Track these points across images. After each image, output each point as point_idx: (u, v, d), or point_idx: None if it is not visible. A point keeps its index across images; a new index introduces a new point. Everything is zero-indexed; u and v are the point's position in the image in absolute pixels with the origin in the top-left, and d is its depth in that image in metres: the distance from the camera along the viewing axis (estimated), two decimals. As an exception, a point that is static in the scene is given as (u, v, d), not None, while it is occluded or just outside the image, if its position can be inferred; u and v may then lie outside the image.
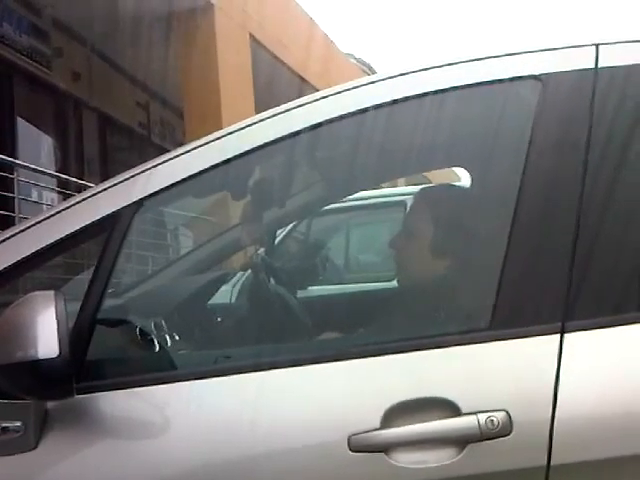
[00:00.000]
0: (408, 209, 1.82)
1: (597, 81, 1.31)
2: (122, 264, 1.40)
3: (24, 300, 1.18)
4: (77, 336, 1.23)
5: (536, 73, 1.34)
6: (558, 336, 1.21)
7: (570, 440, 1.16)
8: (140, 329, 1.61)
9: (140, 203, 1.34)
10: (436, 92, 1.37)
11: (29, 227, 1.35)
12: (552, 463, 1.15)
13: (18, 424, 1.19)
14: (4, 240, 1.34)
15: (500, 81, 1.36)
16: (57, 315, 1.15)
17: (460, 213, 1.67)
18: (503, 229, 1.29)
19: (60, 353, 1.11)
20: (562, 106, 1.33)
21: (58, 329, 1.13)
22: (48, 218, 1.36)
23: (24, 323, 1.14)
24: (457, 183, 2.63)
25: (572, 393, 1.18)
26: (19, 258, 1.32)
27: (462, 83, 1.38)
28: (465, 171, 2.05)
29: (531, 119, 1.31)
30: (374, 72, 13.53)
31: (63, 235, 1.33)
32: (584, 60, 1.33)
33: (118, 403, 1.25)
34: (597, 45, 1.34)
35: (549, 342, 1.21)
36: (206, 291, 2.36)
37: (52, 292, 1.19)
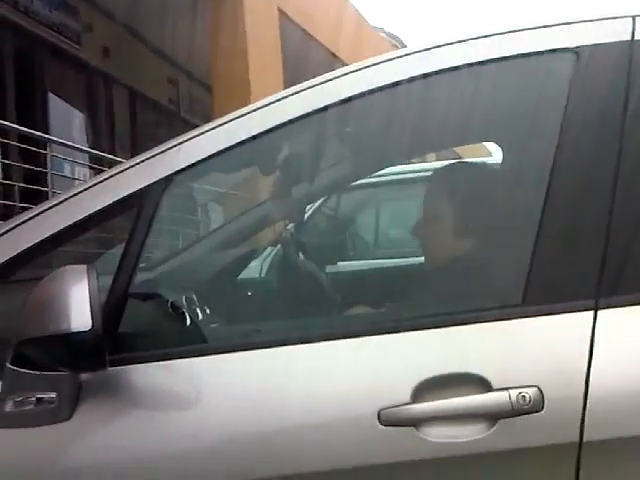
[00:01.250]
0: (425, 193, 1.80)
1: (634, 53, 1.28)
2: (153, 239, 1.41)
3: (57, 274, 1.20)
4: (109, 309, 1.24)
5: (571, 46, 1.31)
6: (591, 313, 1.20)
7: (603, 417, 1.15)
8: (171, 303, 1.63)
9: (170, 178, 1.35)
10: (468, 65, 1.35)
11: (62, 202, 1.37)
12: (584, 440, 1.15)
13: (52, 395, 1.21)
14: (38, 214, 1.36)
15: (534, 54, 1.34)
16: (89, 289, 1.16)
17: (482, 190, 1.65)
18: (535, 205, 1.27)
19: (93, 326, 1.12)
20: (597, 79, 1.30)
21: (90, 302, 1.14)
22: (80, 193, 1.37)
23: (57, 296, 1.15)
24: (484, 159, 2.60)
25: (605, 369, 1.17)
26: (52, 232, 1.33)
27: (495, 56, 1.35)
28: (497, 146, 2.02)
29: (566, 93, 1.29)
30: (404, 46, 13.39)
31: (95, 210, 1.34)
32: (620, 32, 1.30)
33: (150, 375, 1.26)
34: (634, 17, 1.31)
35: (582, 319, 1.20)
36: (236, 266, 2.37)
37: (84, 266, 1.20)
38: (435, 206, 1.74)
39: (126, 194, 1.34)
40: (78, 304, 1.14)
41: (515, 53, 1.35)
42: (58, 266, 1.24)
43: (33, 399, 1.21)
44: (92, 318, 1.13)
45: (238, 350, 1.28)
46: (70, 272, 1.20)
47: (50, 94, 8.52)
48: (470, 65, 1.35)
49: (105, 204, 1.34)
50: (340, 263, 3.26)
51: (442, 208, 1.70)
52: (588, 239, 1.25)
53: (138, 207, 1.32)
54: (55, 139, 6.67)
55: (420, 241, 1.82)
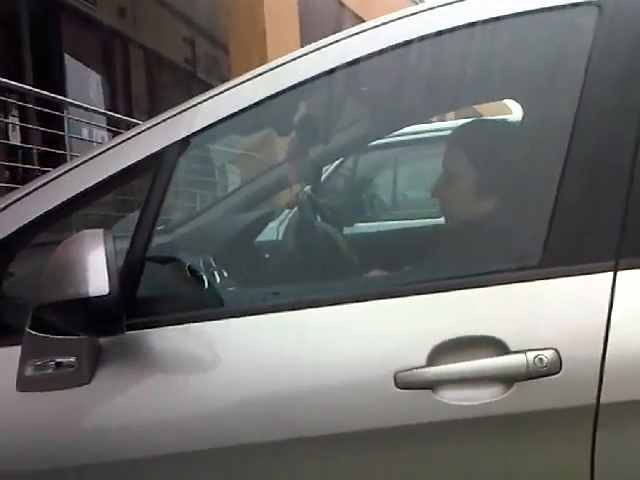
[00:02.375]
0: (445, 153, 1.77)
1: None
2: (170, 202, 1.41)
3: (73, 239, 1.20)
4: (127, 274, 1.25)
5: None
6: (611, 274, 1.18)
7: (620, 379, 1.15)
8: (189, 266, 1.63)
9: (187, 140, 1.34)
10: (486, 21, 1.32)
11: (79, 164, 1.37)
12: (601, 402, 1.14)
13: (72, 359, 1.22)
14: (56, 177, 1.36)
15: (556, 8, 1.30)
16: (106, 253, 1.16)
17: (502, 148, 1.62)
18: (555, 164, 1.25)
19: (110, 291, 1.13)
20: (621, 34, 1.26)
21: (108, 267, 1.15)
22: (98, 155, 1.37)
23: (75, 261, 1.16)
24: (501, 116, 2.55)
25: (623, 332, 1.16)
26: (71, 195, 1.33)
27: (516, 10, 1.32)
28: (517, 104, 1.99)
29: (588, 48, 1.26)
30: (422, 1, 13.13)
31: (113, 173, 1.34)
32: None
33: (168, 339, 1.27)
34: None
35: (601, 280, 1.19)
36: (253, 229, 2.37)
37: (101, 230, 1.21)
38: (454, 165, 1.71)
39: (143, 156, 1.33)
40: (95, 269, 1.14)
41: (536, 7, 1.32)
42: (78, 229, 1.24)
43: (53, 363, 1.22)
44: (109, 283, 1.14)
45: (255, 313, 1.28)
46: (87, 237, 1.20)
47: (66, 56, 8.47)
48: (490, 20, 1.32)
49: (123, 166, 1.34)
50: (358, 224, 3.24)
51: (461, 167, 1.67)
52: (608, 199, 1.23)
53: (155, 170, 1.31)
54: (72, 101, 6.66)
55: (440, 202, 1.80)
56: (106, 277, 1.13)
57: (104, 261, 1.15)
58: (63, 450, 1.23)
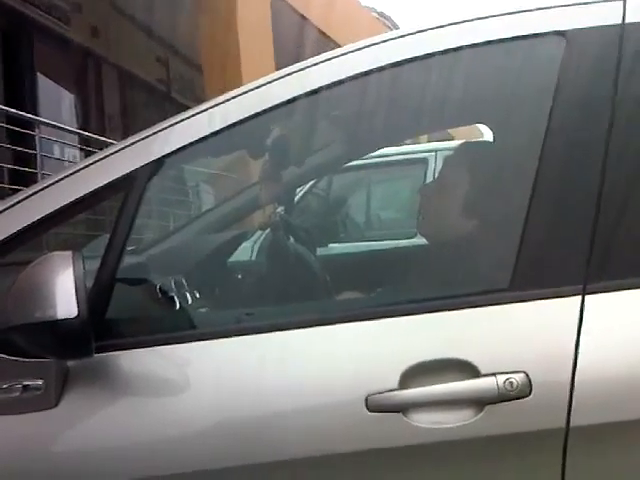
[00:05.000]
0: (445, 161, 1.78)
1: (624, 37, 1.26)
2: (143, 222, 1.40)
3: (42, 260, 1.19)
4: (96, 295, 1.24)
5: (561, 29, 1.30)
6: (579, 298, 1.20)
7: (590, 402, 1.16)
8: (160, 287, 1.62)
9: (159, 161, 1.34)
10: (459, 48, 1.34)
11: (52, 184, 1.35)
12: (571, 425, 1.15)
13: (39, 382, 1.20)
14: (27, 197, 1.34)
15: (524, 37, 1.32)
16: (75, 275, 1.15)
17: (495, 171, 1.63)
18: (525, 188, 1.27)
19: (78, 314, 1.12)
20: (587, 63, 1.29)
21: (76, 289, 1.13)
22: (70, 175, 1.36)
23: (43, 283, 1.14)
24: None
25: (592, 355, 1.17)
26: (42, 215, 1.32)
27: (485, 39, 1.34)
28: (487, 129, 2.01)
29: (555, 77, 1.28)
30: (395, 26, 13.30)
31: (85, 193, 1.32)
32: (611, 15, 1.28)
33: (139, 361, 1.26)
34: (624, 0, 1.29)
35: (570, 304, 1.20)
36: (226, 249, 2.36)
37: (70, 252, 1.19)
38: (450, 177, 1.71)
39: (115, 177, 1.32)
40: (64, 291, 1.13)
41: (506, 36, 1.34)
42: (49, 249, 1.23)
43: (19, 386, 1.20)
44: (78, 305, 1.12)
45: (226, 336, 1.27)
46: (55, 258, 1.19)
47: (39, 74, 8.43)
48: (461, 48, 1.34)
49: (96, 186, 1.32)
50: (331, 245, 3.25)
51: (455, 181, 1.67)
52: (576, 224, 1.24)
53: (125, 190, 1.31)
54: (44, 120, 6.61)
55: (422, 203, 1.79)
56: (74, 300, 1.12)
57: (72, 283, 1.14)
58: (29, 474, 1.21)
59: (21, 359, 1.18)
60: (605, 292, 1.20)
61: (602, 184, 1.23)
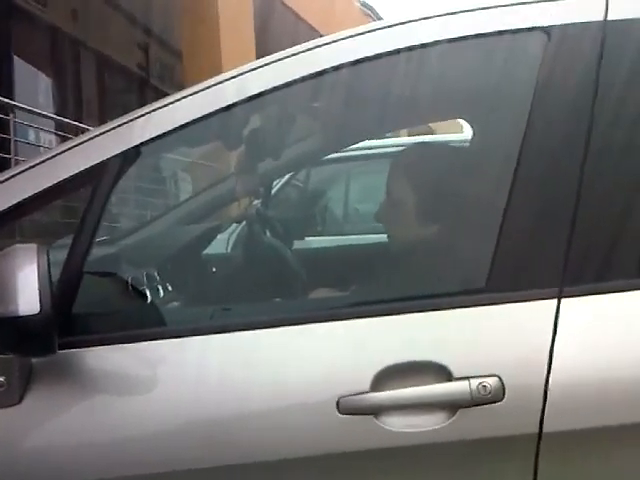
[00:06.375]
0: (387, 177, 1.75)
1: (606, 34, 1.25)
2: (117, 211, 1.37)
3: (5, 253, 1.15)
4: (62, 289, 1.20)
5: (542, 25, 1.28)
6: (555, 301, 1.18)
7: (564, 407, 1.15)
8: (131, 280, 1.59)
9: (134, 149, 1.30)
10: (439, 42, 1.32)
11: (26, 170, 1.31)
12: (544, 430, 1.14)
13: (1, 379, 1.17)
14: (0, 183, 1.30)
15: (506, 32, 1.31)
16: (39, 269, 1.11)
17: (447, 173, 1.61)
18: (502, 188, 1.25)
19: (41, 310, 1.08)
20: (568, 60, 1.27)
21: (39, 284, 1.10)
22: (45, 161, 1.32)
23: (5, 277, 1.11)
24: (454, 135, 2.56)
25: (567, 360, 1.16)
26: (15, 202, 1.28)
27: (466, 34, 1.32)
28: (467, 124, 2.00)
29: (536, 73, 1.26)
30: (378, 16, 13.25)
31: (59, 180, 1.29)
32: (593, 12, 1.27)
33: (106, 359, 1.23)
34: None
35: (545, 307, 1.18)
36: (201, 241, 2.33)
37: (34, 245, 1.16)
38: (397, 190, 1.70)
39: (90, 164, 1.29)
40: (26, 286, 1.10)
41: (486, 31, 1.32)
42: (22, 236, 1.19)
43: (-19, 382, 1.17)
44: (41, 301, 1.09)
45: (197, 334, 1.25)
46: (19, 251, 1.15)
47: (16, 57, 8.29)
48: (442, 42, 1.32)
49: (71, 173, 1.29)
50: (309, 239, 3.23)
51: (404, 192, 1.66)
52: (554, 226, 1.23)
53: (96, 179, 1.27)
54: (19, 104, 6.51)
55: (384, 226, 1.78)
56: (37, 295, 1.09)
57: (36, 277, 1.10)
58: None
59: (-18, 355, 1.14)
60: (581, 296, 1.19)
61: (580, 185, 1.21)
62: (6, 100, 6.23)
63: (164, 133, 1.31)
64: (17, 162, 5.86)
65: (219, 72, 1.39)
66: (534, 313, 1.19)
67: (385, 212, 1.74)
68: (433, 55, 1.35)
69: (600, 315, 1.19)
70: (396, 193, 1.70)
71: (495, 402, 1.14)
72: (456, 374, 1.15)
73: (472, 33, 1.32)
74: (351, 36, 1.35)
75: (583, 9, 1.28)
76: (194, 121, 1.31)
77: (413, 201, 1.64)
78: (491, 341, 1.19)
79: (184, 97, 1.34)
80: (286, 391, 1.19)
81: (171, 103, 1.34)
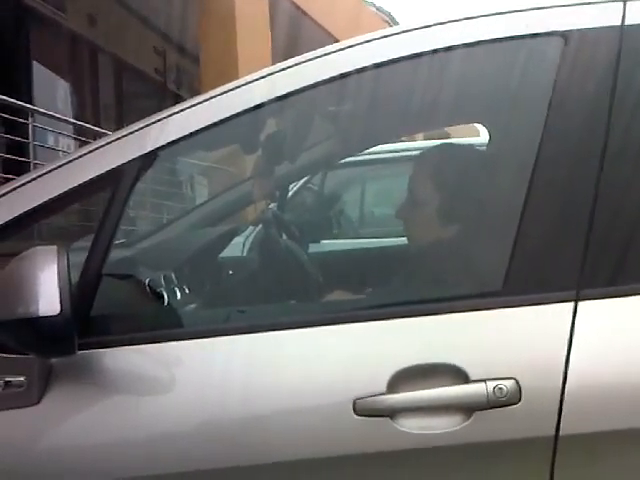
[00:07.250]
0: (410, 176, 1.75)
1: (623, 39, 1.25)
2: (135, 214, 1.38)
3: (26, 255, 1.16)
4: (81, 291, 1.21)
5: (559, 29, 1.28)
6: (572, 304, 1.18)
7: (580, 410, 1.14)
8: (149, 282, 1.60)
9: (152, 154, 1.31)
10: (457, 47, 1.32)
11: (45, 173, 1.33)
12: (561, 433, 1.13)
13: (21, 379, 1.19)
14: (19, 186, 1.32)
15: (523, 37, 1.31)
16: (59, 271, 1.13)
17: (468, 174, 1.61)
18: (519, 192, 1.25)
19: (61, 311, 1.09)
20: (585, 64, 1.27)
21: (59, 286, 1.11)
22: (64, 165, 1.33)
23: (26, 278, 1.12)
24: (472, 139, 2.56)
25: (584, 363, 1.15)
26: (35, 205, 1.29)
27: (483, 38, 1.32)
28: (484, 128, 1.99)
29: (553, 77, 1.26)
30: (395, 21, 13.26)
31: (78, 183, 1.30)
32: (610, 17, 1.27)
33: (124, 360, 1.24)
34: (625, 1, 1.27)
35: (562, 310, 1.18)
36: (217, 244, 2.34)
37: (54, 247, 1.17)
38: (420, 190, 1.70)
39: (108, 168, 1.30)
40: (47, 287, 1.11)
41: (504, 35, 1.32)
42: (41, 239, 1.20)
43: (1, 382, 1.19)
44: (61, 302, 1.10)
45: (214, 335, 1.25)
46: (40, 253, 1.16)
47: (34, 62, 8.36)
48: (459, 46, 1.32)
49: (89, 177, 1.30)
50: (324, 242, 3.23)
51: (426, 192, 1.66)
52: (571, 229, 1.22)
53: (114, 183, 1.28)
54: (38, 109, 6.56)
55: (404, 225, 1.79)
56: (57, 296, 1.10)
57: (56, 279, 1.12)
58: (9, 471, 1.19)
59: (3, 355, 1.16)
60: (598, 299, 1.19)
61: (598, 187, 1.21)
62: (25, 105, 6.28)
63: (181, 137, 1.32)
64: (36, 166, 5.91)
65: (236, 77, 1.40)
66: (551, 316, 1.19)
67: (406, 211, 1.74)
68: (451, 60, 1.35)
69: (617, 318, 1.18)
70: (419, 192, 1.70)
71: (511, 405, 1.14)
72: (472, 376, 1.15)
73: (490, 38, 1.32)
74: (368, 41, 1.35)
75: (600, 14, 1.28)
76: (211, 126, 1.33)
77: (436, 201, 1.64)
78: (508, 344, 1.19)
79: (201, 102, 1.35)
80: (303, 392, 1.19)
81: (188, 108, 1.35)
